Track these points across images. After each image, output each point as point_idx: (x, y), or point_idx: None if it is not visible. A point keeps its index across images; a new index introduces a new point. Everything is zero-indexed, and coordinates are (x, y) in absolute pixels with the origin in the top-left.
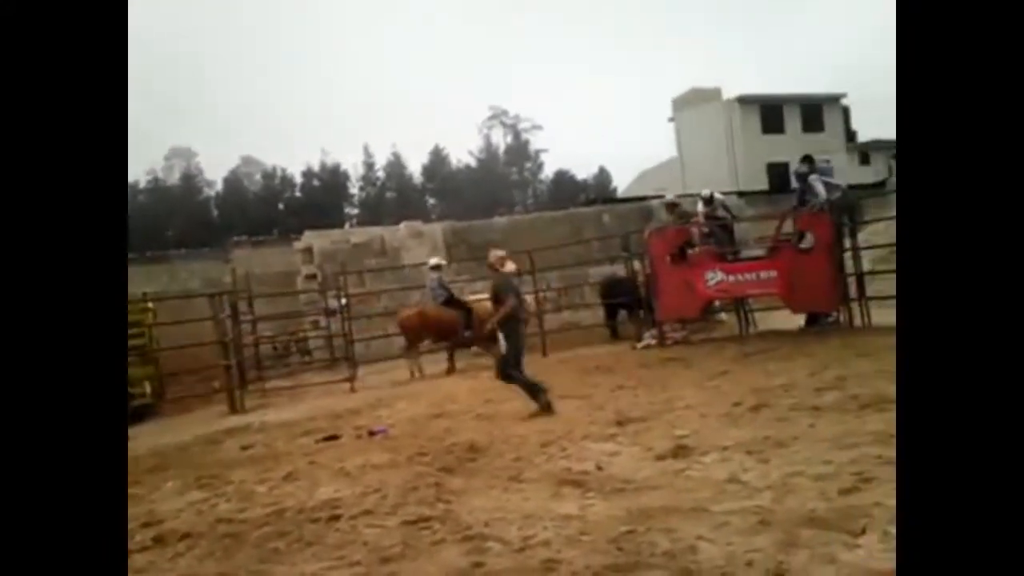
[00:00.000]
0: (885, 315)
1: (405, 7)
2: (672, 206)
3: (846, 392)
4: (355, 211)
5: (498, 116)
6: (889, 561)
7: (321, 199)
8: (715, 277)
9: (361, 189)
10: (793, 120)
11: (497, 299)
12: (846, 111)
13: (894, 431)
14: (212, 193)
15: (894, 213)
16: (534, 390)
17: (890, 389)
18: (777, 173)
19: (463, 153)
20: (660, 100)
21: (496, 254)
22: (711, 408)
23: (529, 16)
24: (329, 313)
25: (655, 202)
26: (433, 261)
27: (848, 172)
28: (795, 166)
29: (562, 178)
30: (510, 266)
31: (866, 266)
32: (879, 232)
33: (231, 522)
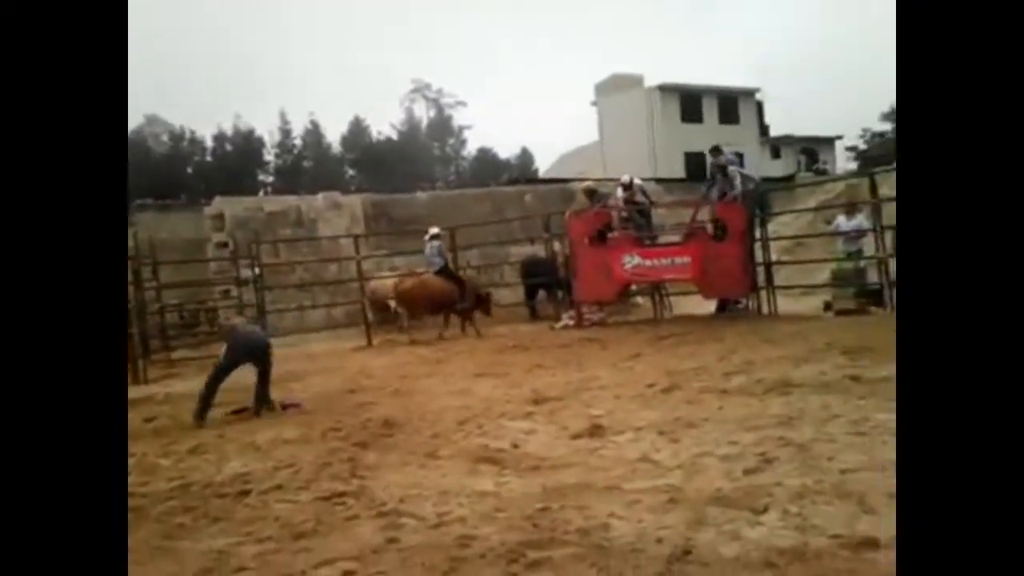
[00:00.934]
0: (789, 303)
1: None
2: (591, 192)
3: (752, 376)
4: (270, 179)
5: (421, 90)
6: (789, 538)
7: (234, 164)
8: (632, 261)
9: (277, 156)
10: (711, 111)
11: None
12: (760, 105)
13: (794, 414)
14: None
15: (801, 206)
16: None
17: (792, 374)
18: (695, 161)
19: (384, 125)
20: (584, 84)
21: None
22: (625, 389)
23: None
24: (241, 283)
25: (576, 185)
26: (433, 230)
27: (760, 165)
28: (710, 157)
29: (485, 156)
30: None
31: (773, 256)
32: (786, 224)
33: (132, 496)
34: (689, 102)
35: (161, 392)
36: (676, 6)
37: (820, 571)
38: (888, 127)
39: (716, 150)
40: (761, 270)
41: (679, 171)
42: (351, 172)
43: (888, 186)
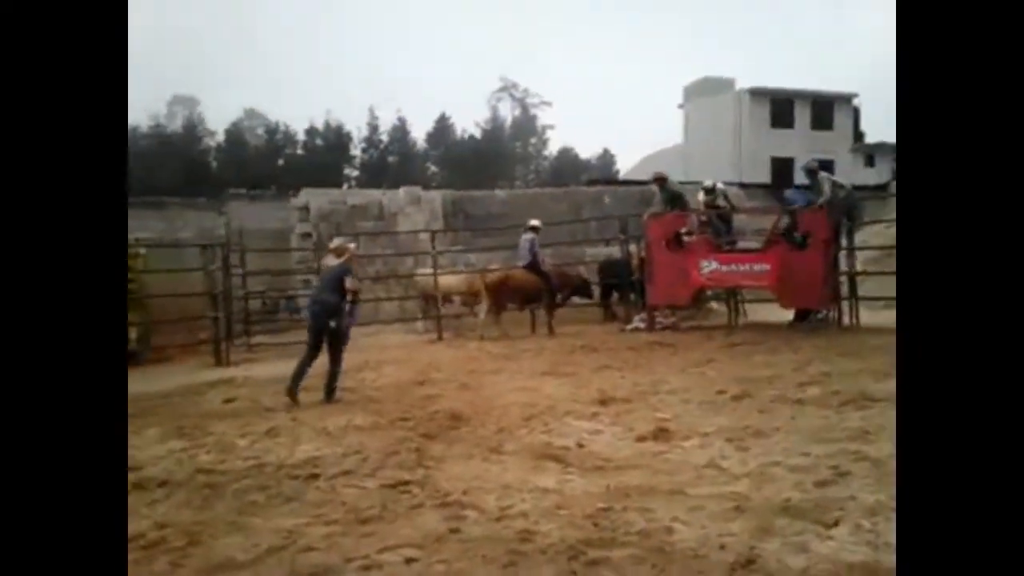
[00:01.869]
0: (874, 316)
1: None
2: (661, 181)
3: (828, 388)
4: (355, 173)
5: (508, 89)
6: (860, 554)
7: (322, 158)
8: (709, 266)
9: (364, 151)
10: (803, 116)
11: None
12: (856, 111)
13: (872, 429)
14: (212, 143)
15: (894, 216)
16: None
17: (872, 388)
18: (781, 167)
19: (469, 123)
20: (669, 87)
21: None
22: (694, 394)
23: None
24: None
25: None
26: (532, 222)
27: (852, 173)
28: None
29: (566, 156)
30: None
31: (859, 267)
32: (878, 234)
33: (210, 473)
34: (780, 106)
35: (241, 375)
36: (771, 8)
37: None
38: None
39: (710, 190)
40: (845, 280)
41: (765, 176)
42: (433, 169)
43: None
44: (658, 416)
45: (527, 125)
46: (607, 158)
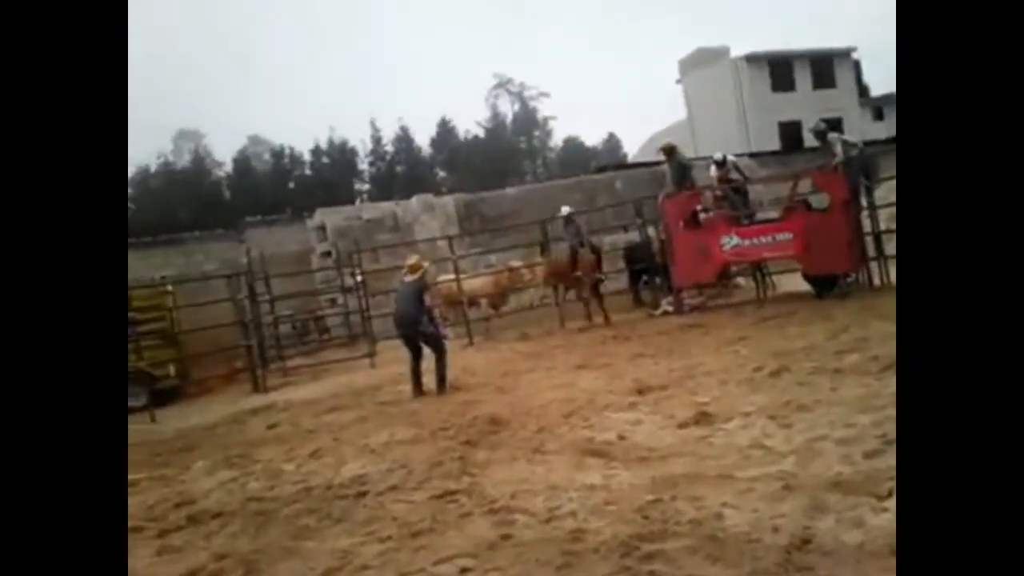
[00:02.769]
0: None
1: None
2: (669, 151)
3: (867, 354)
4: (365, 187)
5: (503, 84)
6: None
7: (331, 176)
8: (730, 241)
9: (371, 164)
10: (804, 77)
11: None
12: (858, 65)
13: None
14: (222, 174)
15: None
16: None
17: None
18: (789, 132)
19: (470, 123)
20: (667, 62)
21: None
22: (731, 374)
23: None
24: (345, 290)
25: (664, 168)
26: (566, 209)
27: (863, 128)
28: (810, 124)
29: (571, 145)
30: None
31: (883, 225)
32: (896, 189)
33: (261, 500)
34: (779, 70)
35: (280, 400)
36: None
37: None
38: None
39: (720, 163)
40: (870, 240)
41: (774, 143)
42: (442, 173)
43: None
44: (697, 400)
45: (528, 119)
46: (613, 142)
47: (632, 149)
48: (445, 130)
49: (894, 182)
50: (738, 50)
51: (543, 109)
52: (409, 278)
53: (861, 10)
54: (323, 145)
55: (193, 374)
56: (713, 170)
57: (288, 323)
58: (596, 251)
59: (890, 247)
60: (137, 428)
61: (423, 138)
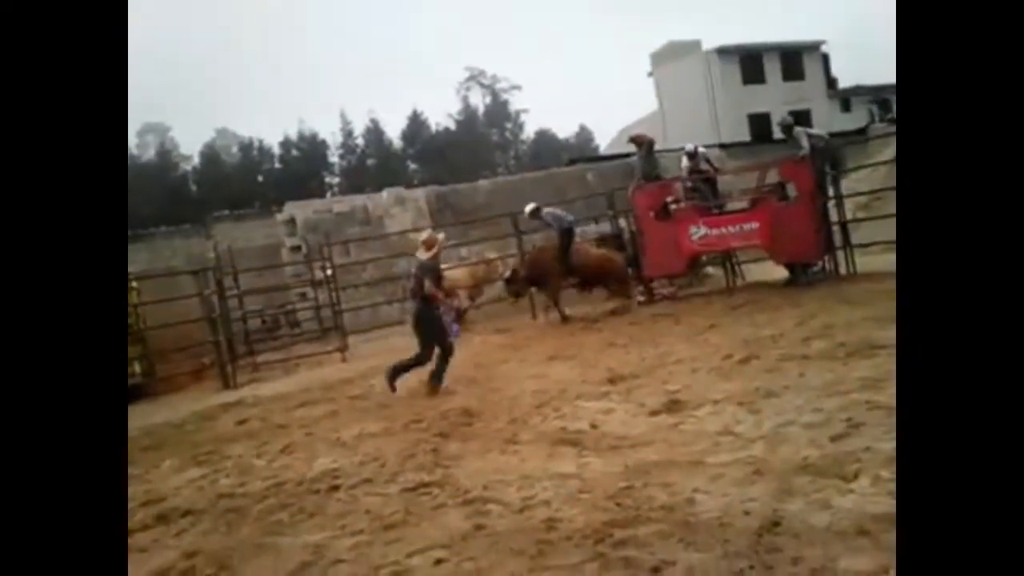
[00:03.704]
0: (871, 262)
1: None
2: (639, 141)
3: (834, 340)
4: (336, 180)
5: (475, 77)
6: (883, 504)
7: (301, 169)
8: (699, 231)
9: (341, 157)
10: (773, 69)
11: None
12: (826, 58)
13: (881, 377)
14: (189, 168)
15: (875, 160)
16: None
17: (876, 335)
18: (759, 123)
19: (442, 116)
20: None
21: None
22: (701, 362)
23: None
24: (316, 284)
25: (634, 160)
26: (531, 206)
27: (831, 119)
28: (778, 117)
29: (543, 138)
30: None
31: (849, 214)
32: (862, 179)
33: (232, 497)
34: (749, 62)
35: (250, 396)
36: None
37: None
38: None
39: (691, 155)
40: (837, 230)
41: (743, 134)
42: (413, 166)
43: None
44: (668, 388)
45: (500, 111)
46: (585, 135)
47: (604, 141)
48: (416, 123)
49: (860, 172)
50: (709, 43)
51: (515, 102)
52: (423, 255)
53: (831, 4)
54: (293, 137)
55: (160, 371)
56: (684, 161)
57: (258, 318)
58: (623, 246)
59: (855, 236)
60: None
61: (394, 131)
